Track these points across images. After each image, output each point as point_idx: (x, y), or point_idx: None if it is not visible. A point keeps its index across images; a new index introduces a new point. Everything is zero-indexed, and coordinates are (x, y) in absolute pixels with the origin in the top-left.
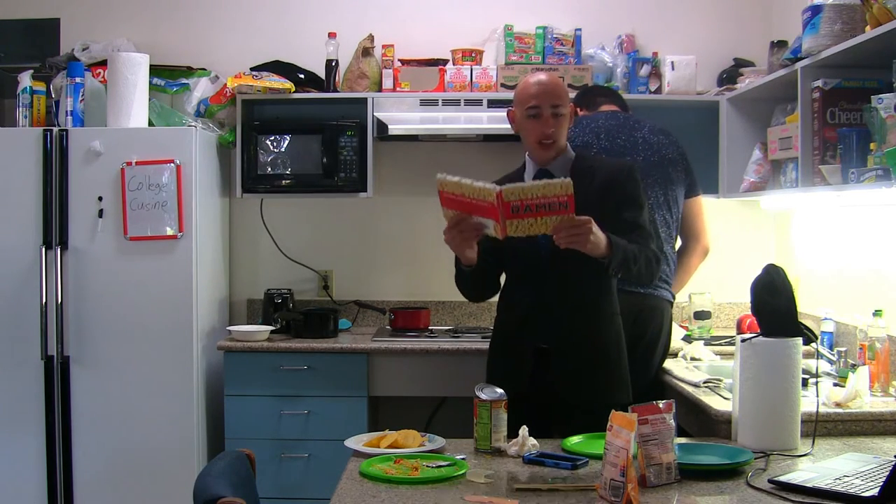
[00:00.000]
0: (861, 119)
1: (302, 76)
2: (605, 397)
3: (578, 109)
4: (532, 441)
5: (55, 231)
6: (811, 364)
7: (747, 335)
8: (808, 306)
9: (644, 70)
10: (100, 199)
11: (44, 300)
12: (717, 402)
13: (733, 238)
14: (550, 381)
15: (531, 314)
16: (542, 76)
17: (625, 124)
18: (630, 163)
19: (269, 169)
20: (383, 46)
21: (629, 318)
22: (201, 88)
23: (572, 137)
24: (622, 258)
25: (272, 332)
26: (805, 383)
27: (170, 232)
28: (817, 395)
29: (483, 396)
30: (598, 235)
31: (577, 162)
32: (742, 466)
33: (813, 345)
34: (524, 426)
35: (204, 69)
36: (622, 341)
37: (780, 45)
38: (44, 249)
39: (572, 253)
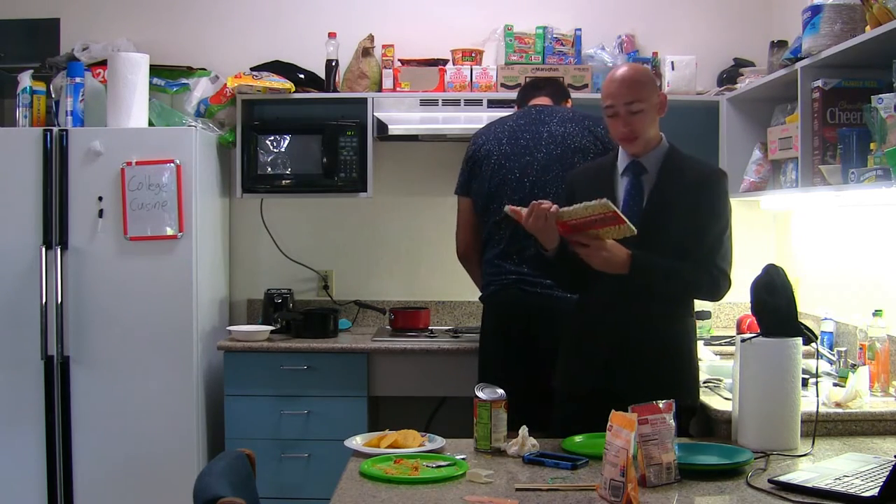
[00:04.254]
0: (861, 119)
1: (302, 76)
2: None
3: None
4: (532, 441)
5: (55, 231)
6: (811, 364)
7: (747, 335)
8: (808, 306)
9: None
10: (100, 199)
11: (44, 300)
12: (717, 402)
13: (733, 238)
14: (614, 381)
15: (604, 314)
16: (621, 71)
17: (533, 120)
18: (718, 171)
19: (269, 169)
20: (383, 46)
21: (524, 318)
22: (201, 88)
23: (476, 146)
24: (645, 281)
25: (272, 332)
26: (805, 383)
27: (170, 232)
28: (817, 395)
29: (483, 396)
30: (612, 255)
31: (669, 159)
32: (742, 466)
33: (813, 345)
34: (524, 426)
35: (204, 69)
36: (693, 343)
37: (780, 45)
38: (44, 249)
39: (651, 248)
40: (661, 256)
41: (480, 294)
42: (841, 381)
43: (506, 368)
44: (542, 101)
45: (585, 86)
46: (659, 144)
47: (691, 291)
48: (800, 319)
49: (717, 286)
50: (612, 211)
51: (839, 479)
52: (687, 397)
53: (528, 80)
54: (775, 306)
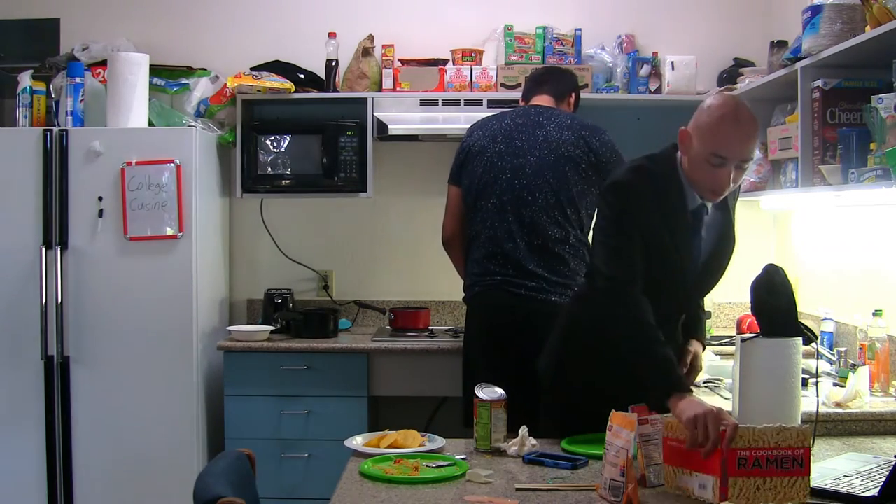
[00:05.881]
0: (861, 119)
1: (302, 76)
2: None
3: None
4: (532, 441)
5: (55, 231)
6: (811, 364)
7: (747, 335)
8: (808, 306)
9: (644, 70)
10: (100, 199)
11: (44, 300)
12: (717, 402)
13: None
14: None
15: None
16: (745, 118)
17: (531, 122)
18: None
19: (269, 169)
20: (383, 46)
21: (509, 320)
22: (201, 88)
23: (471, 140)
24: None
25: (272, 332)
26: (805, 383)
27: (170, 232)
28: (817, 395)
29: (483, 396)
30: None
31: None
32: None
33: (813, 345)
34: (524, 426)
35: (204, 69)
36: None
37: (780, 45)
38: (44, 249)
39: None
40: (703, 296)
41: (464, 295)
42: (841, 381)
43: (490, 370)
44: (544, 99)
45: (585, 86)
46: None
47: None
48: (800, 319)
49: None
50: (805, 447)
51: (839, 479)
52: None
53: (534, 70)
54: (775, 306)
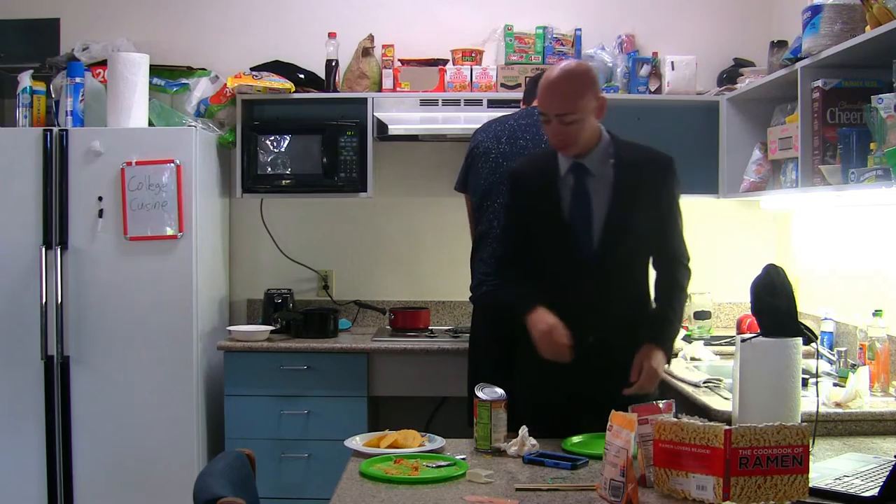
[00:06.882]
0: (861, 119)
1: (302, 76)
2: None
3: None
4: (532, 441)
5: (55, 231)
6: (811, 364)
7: (747, 335)
8: (808, 306)
9: (644, 70)
10: (100, 199)
11: (44, 300)
12: (717, 402)
13: (733, 238)
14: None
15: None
16: (555, 76)
17: (534, 122)
18: (669, 157)
19: (269, 169)
20: (383, 46)
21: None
22: (201, 88)
23: (476, 143)
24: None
25: (272, 332)
26: (805, 383)
27: (170, 232)
28: (817, 395)
29: (483, 396)
30: (660, 373)
31: (616, 154)
32: None
33: (813, 345)
34: (524, 426)
35: (204, 69)
36: None
37: (780, 45)
38: (44, 249)
39: (616, 247)
40: (625, 259)
41: (471, 294)
42: (841, 381)
43: (497, 370)
44: None
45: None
46: (599, 141)
47: (686, 294)
48: (800, 319)
49: (690, 274)
50: (804, 445)
51: (839, 479)
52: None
53: (537, 72)
54: (775, 306)
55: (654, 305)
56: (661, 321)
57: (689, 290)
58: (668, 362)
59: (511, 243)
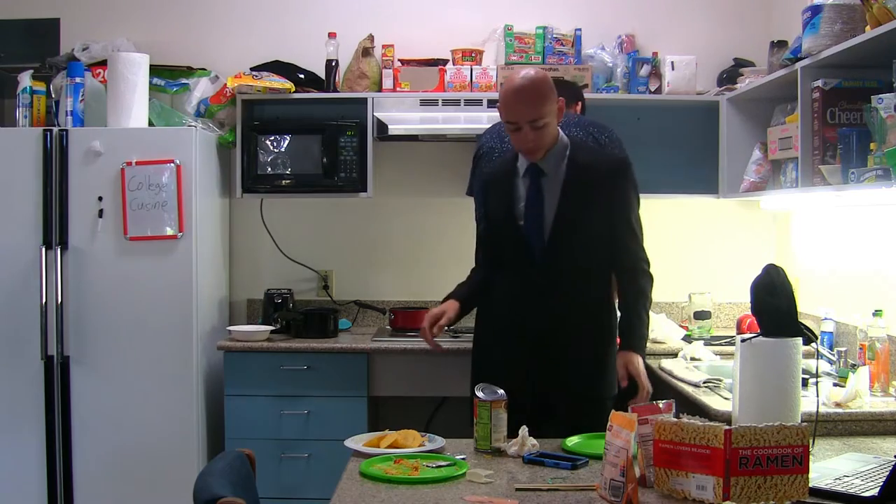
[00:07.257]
0: (861, 119)
1: (302, 76)
2: (589, 391)
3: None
4: (532, 441)
5: (55, 231)
6: (811, 364)
7: (747, 335)
8: (808, 306)
9: (644, 70)
10: (100, 199)
11: (44, 300)
12: (717, 402)
13: (733, 238)
14: (538, 372)
15: (521, 303)
16: (519, 84)
17: None
18: (625, 160)
19: (269, 169)
20: (383, 46)
21: None
22: (201, 88)
23: (480, 144)
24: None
25: (272, 332)
26: (805, 383)
27: (170, 232)
28: (817, 395)
29: (483, 396)
30: (643, 371)
31: (571, 156)
32: None
33: (813, 345)
34: (524, 426)
35: (204, 69)
36: (612, 333)
37: (780, 45)
38: (44, 249)
39: (565, 245)
40: (576, 257)
41: None
42: (841, 381)
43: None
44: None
45: (585, 86)
46: (556, 144)
47: (650, 299)
48: (800, 319)
49: (652, 280)
50: (804, 445)
51: (839, 479)
52: (608, 390)
53: (575, 84)
54: (775, 306)
55: (618, 313)
56: (628, 329)
57: (653, 295)
58: (644, 360)
59: (484, 241)
